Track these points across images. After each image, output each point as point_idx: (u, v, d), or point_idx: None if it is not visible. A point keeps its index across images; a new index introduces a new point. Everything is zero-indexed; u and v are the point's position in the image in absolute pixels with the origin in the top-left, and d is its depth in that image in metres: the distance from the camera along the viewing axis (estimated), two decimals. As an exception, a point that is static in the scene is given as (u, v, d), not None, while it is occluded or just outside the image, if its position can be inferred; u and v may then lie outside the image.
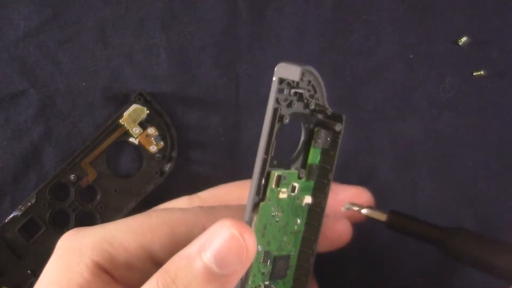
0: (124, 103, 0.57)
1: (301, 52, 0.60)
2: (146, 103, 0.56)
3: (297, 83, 0.28)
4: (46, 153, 0.57)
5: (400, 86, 0.60)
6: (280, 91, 0.28)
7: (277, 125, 0.27)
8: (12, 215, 0.55)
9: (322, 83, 0.30)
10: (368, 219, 0.36)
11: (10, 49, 0.57)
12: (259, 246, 0.28)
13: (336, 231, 0.30)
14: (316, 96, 0.30)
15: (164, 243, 0.30)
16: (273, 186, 0.28)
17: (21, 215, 0.55)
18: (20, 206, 0.55)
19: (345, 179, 0.60)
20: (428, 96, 0.60)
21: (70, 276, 0.29)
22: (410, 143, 0.60)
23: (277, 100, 0.28)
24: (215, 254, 0.26)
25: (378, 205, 0.60)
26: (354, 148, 0.60)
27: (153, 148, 0.57)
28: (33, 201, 0.55)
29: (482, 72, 0.60)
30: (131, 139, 0.57)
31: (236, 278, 0.26)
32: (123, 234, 0.30)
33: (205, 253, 0.26)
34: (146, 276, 0.30)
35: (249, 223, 0.27)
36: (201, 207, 0.31)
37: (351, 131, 0.61)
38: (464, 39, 0.60)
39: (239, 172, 0.56)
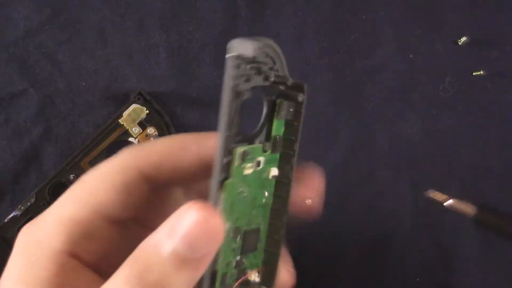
0: (124, 102, 0.57)
1: (301, 52, 0.60)
2: (145, 102, 0.57)
3: (253, 58, 0.28)
4: (46, 153, 0.57)
5: (400, 86, 0.60)
6: (237, 66, 0.27)
7: (236, 102, 0.27)
8: (12, 215, 0.55)
9: (280, 53, 0.30)
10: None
11: (10, 49, 0.57)
12: (227, 223, 0.28)
13: (305, 200, 0.30)
14: (275, 67, 0.29)
15: (108, 199, 0.29)
16: (238, 163, 0.28)
17: (21, 214, 0.55)
18: (20, 206, 0.55)
19: (345, 179, 0.60)
20: (428, 96, 0.60)
21: (34, 272, 0.28)
22: (410, 143, 0.60)
23: (233, 77, 0.27)
24: (184, 239, 0.25)
25: (378, 205, 0.60)
26: (354, 148, 0.60)
27: (152, 148, 0.57)
28: (33, 200, 0.55)
29: (482, 72, 0.60)
30: (130, 139, 0.57)
31: (208, 260, 0.26)
32: (69, 208, 0.29)
33: (174, 239, 0.26)
34: (106, 240, 0.30)
35: (216, 202, 0.27)
36: (129, 149, 0.30)
37: (351, 131, 0.62)
38: (464, 39, 0.60)
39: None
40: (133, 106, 0.56)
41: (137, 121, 0.56)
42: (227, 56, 0.27)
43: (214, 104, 0.59)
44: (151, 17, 0.58)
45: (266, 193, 0.30)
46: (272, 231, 0.30)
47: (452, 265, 0.60)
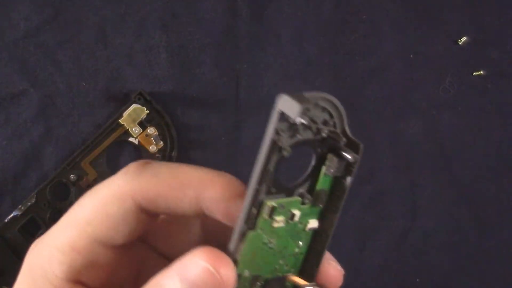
0: (124, 103, 0.57)
1: (301, 52, 0.60)
2: (146, 103, 0.56)
3: (297, 123, 0.26)
4: (46, 153, 0.57)
5: (400, 86, 0.60)
6: (281, 120, 0.25)
7: (274, 156, 0.26)
8: (12, 215, 0.55)
9: (340, 107, 0.28)
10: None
11: (10, 49, 0.57)
12: (246, 271, 0.27)
13: (329, 274, 0.29)
14: (331, 121, 0.28)
15: (106, 227, 0.28)
16: (266, 216, 0.27)
17: (21, 215, 0.55)
18: (20, 206, 0.55)
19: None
20: (428, 96, 0.60)
21: None
22: (410, 143, 0.60)
23: (276, 132, 0.26)
24: (190, 286, 0.25)
25: (378, 205, 0.60)
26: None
27: (153, 148, 0.57)
28: (33, 201, 0.55)
29: (482, 72, 0.60)
30: (131, 139, 0.57)
31: None
32: (68, 236, 0.29)
33: (182, 284, 0.25)
34: (109, 265, 0.29)
35: (235, 250, 0.26)
36: (125, 175, 0.29)
37: (351, 131, 0.61)
38: (464, 39, 0.60)
39: (239, 172, 0.55)
40: (134, 106, 0.56)
41: (138, 121, 0.56)
42: (274, 108, 0.25)
43: (214, 104, 0.59)
44: (152, 17, 0.58)
45: (301, 243, 0.29)
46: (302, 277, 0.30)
47: (452, 265, 0.60)
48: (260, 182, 0.26)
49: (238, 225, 0.26)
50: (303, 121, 0.26)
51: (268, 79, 0.59)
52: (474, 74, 0.61)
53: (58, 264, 0.29)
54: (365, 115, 0.60)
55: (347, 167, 0.28)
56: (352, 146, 0.28)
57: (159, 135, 0.57)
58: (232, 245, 0.26)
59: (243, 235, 0.26)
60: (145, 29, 0.58)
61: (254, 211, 0.26)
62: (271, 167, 0.26)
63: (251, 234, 0.27)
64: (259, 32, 0.59)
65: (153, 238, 0.32)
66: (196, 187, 0.28)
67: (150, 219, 0.30)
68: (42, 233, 0.56)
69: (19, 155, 0.57)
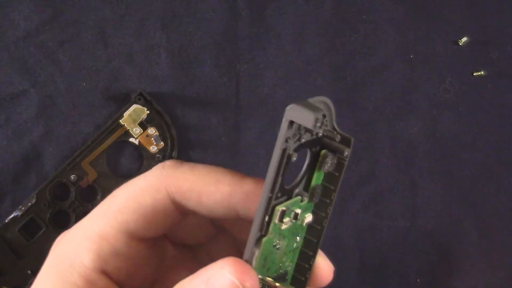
0: (124, 103, 0.57)
1: (302, 52, 0.60)
2: (146, 103, 0.56)
3: (312, 128, 0.27)
4: (46, 153, 0.57)
5: (400, 86, 0.61)
6: (290, 128, 0.27)
7: (284, 163, 0.27)
8: (12, 215, 0.55)
9: (332, 108, 0.29)
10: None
11: (10, 49, 0.57)
12: (259, 276, 0.28)
13: (320, 268, 0.30)
14: (325, 121, 0.29)
15: (136, 218, 0.29)
16: (277, 221, 0.28)
17: (21, 215, 0.55)
18: (20, 206, 0.55)
19: (345, 179, 0.60)
20: (428, 96, 0.60)
21: (64, 286, 0.29)
22: (410, 143, 0.60)
23: (286, 140, 0.27)
24: None
25: (378, 205, 0.60)
26: (354, 148, 0.60)
27: (153, 148, 0.57)
28: (34, 201, 0.55)
29: (482, 72, 0.60)
30: (131, 139, 0.57)
31: None
32: (98, 224, 0.30)
33: None
34: (134, 258, 0.30)
35: (251, 258, 0.27)
36: (162, 169, 0.30)
37: (351, 131, 0.61)
38: (464, 39, 0.60)
39: (240, 172, 0.56)
40: (134, 106, 0.56)
41: (138, 122, 0.56)
42: (283, 120, 0.26)
43: (214, 104, 0.59)
44: (152, 18, 0.58)
45: (298, 238, 0.30)
46: (298, 272, 0.30)
47: (452, 265, 0.60)
48: (273, 190, 0.27)
49: (253, 233, 0.27)
50: (319, 131, 0.28)
51: (268, 79, 0.59)
52: (474, 74, 0.61)
53: (86, 252, 0.29)
54: (365, 115, 0.60)
55: (340, 161, 0.30)
56: (344, 142, 0.30)
57: (159, 135, 0.57)
58: (248, 254, 0.27)
59: (258, 242, 0.27)
60: (145, 29, 0.58)
61: (267, 218, 0.27)
62: (281, 174, 0.27)
63: (264, 240, 0.28)
64: (259, 32, 0.59)
65: (177, 236, 0.32)
66: (230, 184, 0.29)
67: (179, 216, 0.30)
68: (42, 233, 0.57)
69: (19, 155, 0.57)
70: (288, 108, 0.26)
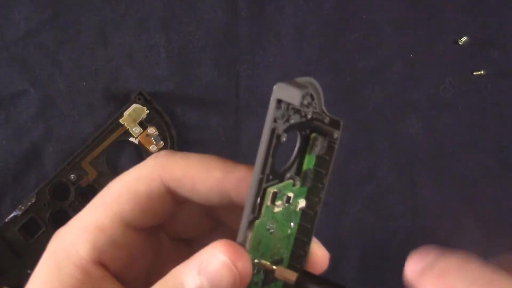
0: (124, 102, 0.57)
1: (301, 52, 0.60)
2: (146, 102, 0.57)
3: (299, 106, 0.27)
4: (46, 153, 0.57)
5: (400, 86, 0.61)
6: (278, 108, 0.27)
7: (274, 144, 0.27)
8: (12, 215, 0.55)
9: (319, 90, 0.30)
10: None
11: (10, 49, 0.57)
12: (255, 260, 0.28)
13: (315, 256, 0.30)
14: (313, 103, 0.29)
15: (132, 207, 0.30)
16: (269, 203, 0.28)
17: (21, 214, 0.55)
18: (20, 206, 0.55)
19: (345, 179, 0.60)
20: (428, 96, 0.60)
21: (61, 278, 0.29)
22: (410, 143, 0.60)
23: (274, 120, 0.27)
24: (209, 278, 0.26)
25: (378, 205, 0.60)
26: (354, 148, 0.60)
27: (153, 148, 0.57)
28: (33, 200, 0.55)
29: (482, 72, 0.60)
30: (131, 139, 0.57)
31: None
32: (94, 215, 0.30)
33: (201, 278, 0.27)
34: (131, 248, 0.30)
35: (244, 241, 0.27)
36: (156, 158, 0.31)
37: (351, 131, 0.62)
38: (464, 39, 0.60)
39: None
40: (134, 106, 0.56)
41: (138, 121, 0.56)
42: (271, 98, 0.27)
43: (214, 104, 0.59)
44: (152, 17, 0.58)
45: (292, 224, 0.30)
46: (294, 260, 0.30)
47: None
48: (263, 171, 0.27)
49: (245, 215, 0.27)
50: (308, 113, 0.28)
51: (268, 79, 0.59)
52: (474, 74, 0.61)
53: (82, 244, 0.29)
54: (365, 115, 0.60)
55: (330, 144, 0.30)
56: (333, 124, 0.30)
57: (159, 135, 0.57)
58: (241, 236, 0.27)
59: (250, 225, 0.27)
60: (145, 29, 0.58)
61: (258, 200, 0.27)
62: (271, 155, 0.27)
63: (257, 222, 0.28)
64: (259, 32, 0.59)
65: (173, 229, 0.33)
66: (222, 169, 0.30)
67: (174, 205, 0.31)
68: (42, 233, 0.57)
69: (19, 155, 0.57)
70: (275, 86, 0.27)
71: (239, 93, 0.59)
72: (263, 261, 0.29)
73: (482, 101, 0.61)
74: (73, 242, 0.29)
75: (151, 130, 0.57)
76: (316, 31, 0.60)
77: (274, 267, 0.29)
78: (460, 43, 0.60)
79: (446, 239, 0.60)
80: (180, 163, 0.30)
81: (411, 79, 0.60)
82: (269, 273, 0.29)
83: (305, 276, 0.29)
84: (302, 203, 0.30)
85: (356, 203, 0.60)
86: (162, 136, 0.57)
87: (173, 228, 0.33)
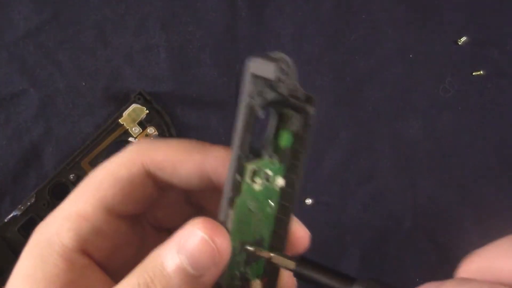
0: (124, 102, 0.57)
1: (301, 52, 0.60)
2: (145, 102, 0.57)
3: (275, 80, 0.28)
4: (46, 153, 0.57)
5: (400, 86, 0.61)
6: (254, 83, 0.27)
7: (250, 119, 0.27)
8: (12, 215, 0.55)
9: (293, 66, 0.30)
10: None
11: (10, 49, 0.57)
12: (235, 238, 0.28)
13: (296, 236, 0.30)
14: (287, 80, 0.29)
15: (114, 192, 0.30)
16: (248, 180, 0.28)
17: (21, 214, 0.55)
18: (20, 206, 0.55)
19: (345, 179, 0.60)
20: (428, 96, 0.60)
21: (44, 268, 0.29)
22: (410, 143, 0.60)
23: (250, 95, 0.27)
24: (188, 256, 0.26)
25: (378, 205, 0.60)
26: (354, 148, 0.60)
27: (153, 148, 0.57)
28: (33, 200, 0.55)
29: (482, 72, 0.60)
30: (130, 139, 0.57)
31: (212, 278, 0.27)
32: (77, 204, 0.30)
33: (180, 256, 0.27)
34: (114, 237, 0.30)
35: (225, 220, 0.28)
36: (136, 145, 0.31)
37: (351, 131, 0.62)
38: (464, 39, 0.60)
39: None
40: (133, 106, 0.56)
41: (137, 121, 0.56)
42: (246, 74, 0.27)
43: (214, 104, 0.59)
44: (151, 17, 0.58)
45: (272, 204, 0.30)
46: (275, 239, 0.31)
47: (452, 265, 0.60)
48: (242, 147, 0.27)
49: (226, 193, 0.27)
50: (283, 89, 0.28)
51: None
52: (474, 74, 0.61)
53: (65, 232, 0.29)
54: (365, 115, 0.60)
55: (306, 121, 0.30)
56: (308, 101, 0.30)
57: (159, 135, 0.57)
58: (222, 214, 0.28)
59: (231, 203, 0.28)
60: (145, 29, 0.58)
61: (238, 177, 0.28)
62: (249, 131, 0.27)
63: (237, 200, 0.28)
64: (259, 32, 0.59)
65: (156, 218, 0.33)
66: (201, 151, 0.30)
67: (156, 191, 0.31)
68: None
69: (19, 155, 0.57)
70: (249, 61, 0.27)
71: (239, 93, 0.59)
72: (260, 249, 0.29)
73: (482, 101, 0.61)
74: (56, 231, 0.29)
75: (151, 130, 0.57)
76: (316, 31, 0.60)
77: (271, 254, 0.29)
78: (459, 43, 0.60)
79: (446, 239, 0.60)
80: (161, 147, 0.30)
81: (411, 79, 0.60)
82: (251, 252, 0.29)
83: (303, 263, 0.29)
84: (281, 181, 0.30)
85: (356, 203, 0.60)
86: (161, 136, 0.57)
87: (156, 217, 0.33)
